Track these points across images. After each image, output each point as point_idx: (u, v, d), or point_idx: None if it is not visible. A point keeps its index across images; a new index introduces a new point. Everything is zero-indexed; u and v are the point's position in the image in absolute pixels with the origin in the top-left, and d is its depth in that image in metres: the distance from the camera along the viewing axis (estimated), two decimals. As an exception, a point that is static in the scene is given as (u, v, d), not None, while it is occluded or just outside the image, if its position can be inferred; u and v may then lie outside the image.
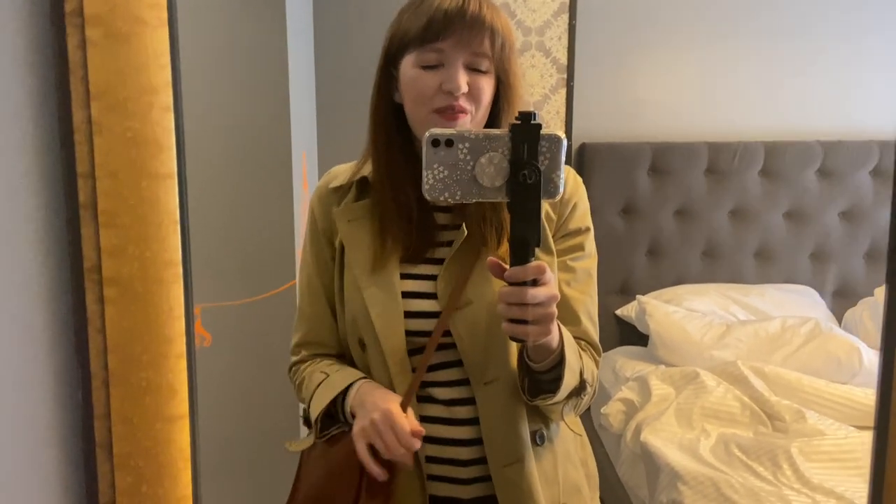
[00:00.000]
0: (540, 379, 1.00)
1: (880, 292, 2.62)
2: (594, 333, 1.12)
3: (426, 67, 1.00)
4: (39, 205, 0.44)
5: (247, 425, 2.10)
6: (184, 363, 0.47)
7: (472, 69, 1.00)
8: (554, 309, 0.89)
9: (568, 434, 1.14)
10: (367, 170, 1.10)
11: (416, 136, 1.07)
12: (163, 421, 0.47)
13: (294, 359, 1.20)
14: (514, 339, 0.90)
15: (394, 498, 1.04)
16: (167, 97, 0.44)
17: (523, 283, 0.86)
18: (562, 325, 0.99)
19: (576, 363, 1.00)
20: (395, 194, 1.06)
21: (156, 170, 0.45)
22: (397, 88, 1.06)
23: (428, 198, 0.86)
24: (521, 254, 0.85)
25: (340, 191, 1.13)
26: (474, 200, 0.86)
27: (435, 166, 0.84)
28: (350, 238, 1.09)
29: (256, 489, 2.10)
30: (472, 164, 0.84)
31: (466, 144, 0.84)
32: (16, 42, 0.41)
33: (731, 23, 2.74)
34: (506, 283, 0.88)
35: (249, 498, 2.08)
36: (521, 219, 0.84)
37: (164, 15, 0.43)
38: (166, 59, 0.43)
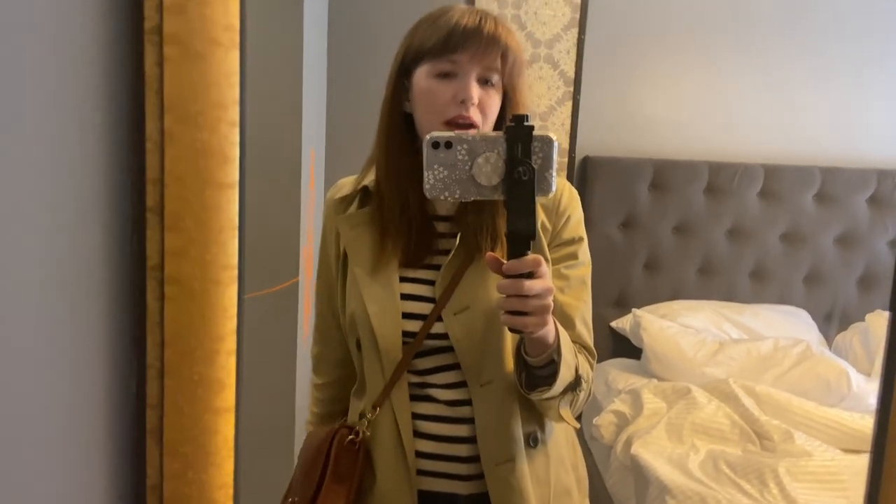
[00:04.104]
0: (536, 374, 1.04)
1: (872, 318, 2.67)
2: (588, 338, 1.17)
3: (440, 76, 1.04)
4: (107, 205, 0.47)
5: (247, 416, 2.12)
6: (233, 360, 0.50)
7: (483, 81, 1.05)
8: (550, 301, 0.93)
9: (562, 438, 1.18)
10: (369, 179, 1.14)
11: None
12: (211, 412, 0.50)
13: (314, 378, 1.32)
14: (512, 329, 0.95)
15: (360, 483, 1.12)
16: (234, 113, 0.47)
17: (520, 276, 0.90)
18: (558, 323, 1.03)
19: (571, 359, 1.04)
20: (399, 201, 1.10)
21: (220, 179, 0.48)
22: (408, 99, 1.09)
23: (428, 196, 0.90)
24: (518, 248, 0.90)
25: (346, 200, 1.17)
26: (472, 198, 0.90)
27: (435, 166, 0.89)
28: (352, 243, 1.13)
29: (251, 477, 2.12)
30: (469, 164, 0.88)
31: (465, 146, 0.88)
32: (96, 57, 0.44)
33: (738, 46, 2.78)
34: (503, 278, 0.92)
35: (247, 486, 2.10)
36: (516, 214, 0.88)
37: (237, 38, 0.46)
38: (236, 78, 0.47)
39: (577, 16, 2.73)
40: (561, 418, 1.10)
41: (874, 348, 2.58)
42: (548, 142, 0.88)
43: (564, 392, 1.05)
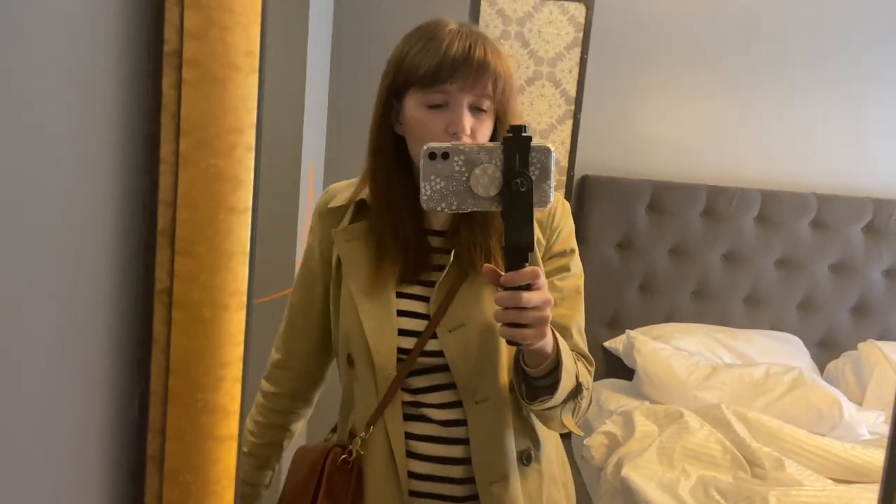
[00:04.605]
0: (536, 385, 1.03)
1: (864, 347, 2.67)
2: (584, 346, 1.17)
3: (431, 107, 1.04)
4: (117, 226, 0.46)
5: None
6: (239, 387, 0.49)
7: (475, 108, 1.04)
8: (548, 312, 0.92)
9: (553, 456, 1.18)
10: (365, 192, 1.13)
11: (415, 167, 1.10)
12: (213, 440, 0.49)
13: (265, 385, 1.26)
14: (511, 342, 0.93)
15: (352, 503, 1.10)
16: (251, 138, 0.46)
17: (518, 288, 0.89)
18: (557, 333, 1.02)
19: (571, 366, 1.04)
20: (393, 220, 1.10)
21: (233, 204, 0.47)
22: (398, 120, 1.09)
23: (425, 208, 0.89)
24: (516, 259, 0.88)
25: (339, 211, 1.16)
26: (470, 210, 0.89)
27: (432, 178, 0.87)
28: (348, 257, 1.12)
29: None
30: (466, 175, 0.87)
31: (461, 157, 0.87)
32: (113, 78, 0.44)
33: (739, 72, 2.80)
34: (501, 290, 0.91)
35: None
36: (514, 226, 0.87)
37: (257, 63, 0.45)
38: (254, 103, 0.46)
39: (581, 35, 2.74)
40: (564, 427, 1.10)
41: (866, 377, 2.58)
42: (545, 152, 0.87)
43: (566, 400, 1.05)
